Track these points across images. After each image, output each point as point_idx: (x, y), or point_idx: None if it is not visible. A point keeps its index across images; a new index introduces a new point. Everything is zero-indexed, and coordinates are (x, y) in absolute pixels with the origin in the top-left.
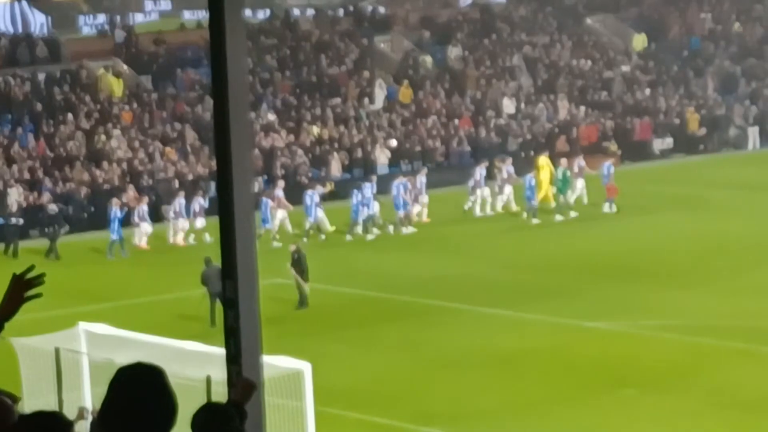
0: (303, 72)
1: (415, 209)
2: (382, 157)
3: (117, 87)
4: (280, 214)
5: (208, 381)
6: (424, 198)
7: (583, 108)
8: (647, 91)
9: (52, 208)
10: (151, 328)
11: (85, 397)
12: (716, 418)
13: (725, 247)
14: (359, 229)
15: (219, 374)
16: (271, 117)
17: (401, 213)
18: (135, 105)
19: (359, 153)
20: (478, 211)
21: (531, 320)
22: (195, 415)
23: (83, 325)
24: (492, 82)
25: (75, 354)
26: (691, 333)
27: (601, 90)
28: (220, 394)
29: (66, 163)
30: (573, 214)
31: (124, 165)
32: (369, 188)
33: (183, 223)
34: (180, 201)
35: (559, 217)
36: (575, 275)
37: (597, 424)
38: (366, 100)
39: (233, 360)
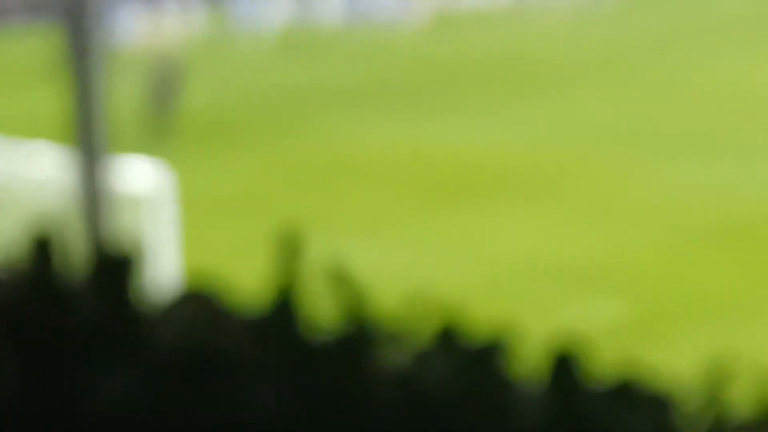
0: None
1: None
2: None
3: None
4: None
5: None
6: None
7: None
8: None
9: None
10: None
11: None
12: (589, 227)
13: (611, 55)
14: None
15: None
16: None
17: None
18: None
19: None
20: None
21: (404, 128)
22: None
23: None
24: None
25: None
26: (570, 140)
27: None
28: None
29: None
30: None
31: None
32: None
33: None
34: None
35: None
36: (461, 78)
37: (468, 233)
38: None
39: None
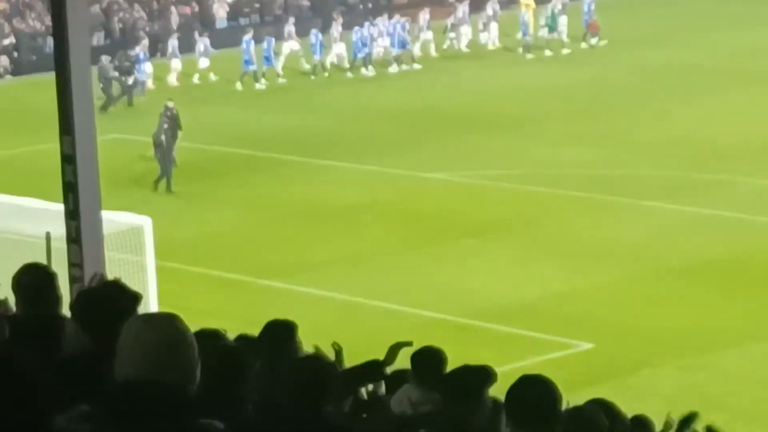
0: None
1: (417, 46)
2: (221, 12)
3: None
4: (287, 48)
5: (48, 237)
6: (427, 35)
7: None
8: None
9: None
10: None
11: None
12: (554, 266)
13: (562, 96)
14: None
15: (59, 230)
16: None
17: (396, 51)
18: None
19: (197, 8)
20: (463, 47)
21: (371, 172)
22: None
23: None
24: None
25: None
26: (530, 182)
27: None
28: (60, 249)
29: None
30: (565, 51)
31: None
32: (368, 28)
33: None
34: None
35: (548, 53)
36: (414, 126)
37: (436, 273)
38: None
39: (72, 215)
